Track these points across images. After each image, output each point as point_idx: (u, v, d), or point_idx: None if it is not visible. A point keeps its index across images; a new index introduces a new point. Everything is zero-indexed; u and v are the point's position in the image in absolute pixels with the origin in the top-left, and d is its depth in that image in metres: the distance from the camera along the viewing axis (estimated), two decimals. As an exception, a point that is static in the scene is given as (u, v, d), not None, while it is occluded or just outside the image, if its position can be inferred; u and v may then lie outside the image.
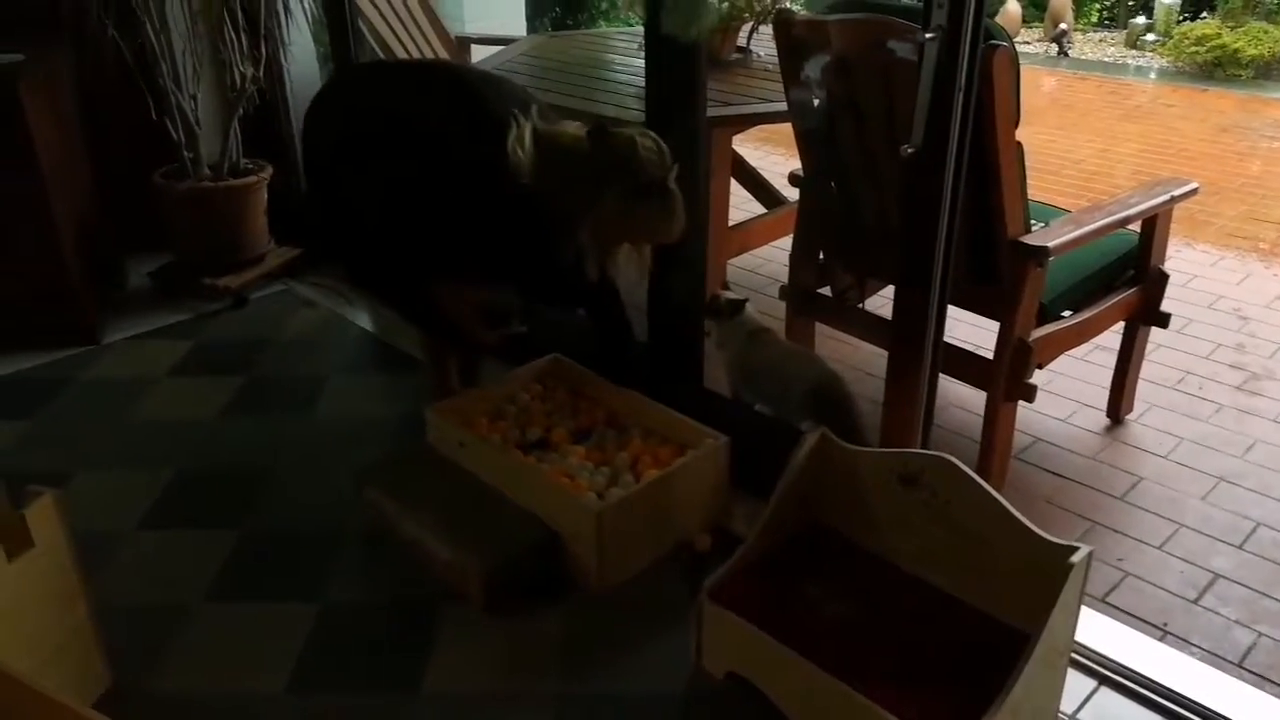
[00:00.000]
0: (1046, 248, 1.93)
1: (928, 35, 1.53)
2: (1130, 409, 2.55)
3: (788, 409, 2.20)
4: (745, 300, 2.29)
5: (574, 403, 2.31)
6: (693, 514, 2.01)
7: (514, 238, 1.89)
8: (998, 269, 2.04)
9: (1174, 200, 2.22)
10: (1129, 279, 2.33)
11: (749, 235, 3.00)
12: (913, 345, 1.78)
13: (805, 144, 2.26)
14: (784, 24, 2.10)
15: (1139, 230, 2.30)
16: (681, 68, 2.09)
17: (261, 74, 3.12)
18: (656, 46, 2.12)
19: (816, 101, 2.14)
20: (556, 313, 2.49)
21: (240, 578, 1.96)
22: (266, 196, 3.25)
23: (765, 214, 3.19)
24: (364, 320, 3.05)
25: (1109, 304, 2.27)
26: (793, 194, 3.06)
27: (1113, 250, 2.28)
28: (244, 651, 1.77)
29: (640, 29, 3.21)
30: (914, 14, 1.91)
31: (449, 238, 1.95)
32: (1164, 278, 2.33)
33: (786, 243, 2.62)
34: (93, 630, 1.65)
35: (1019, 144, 1.89)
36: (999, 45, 1.70)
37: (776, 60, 3.09)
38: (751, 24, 3.14)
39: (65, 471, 2.26)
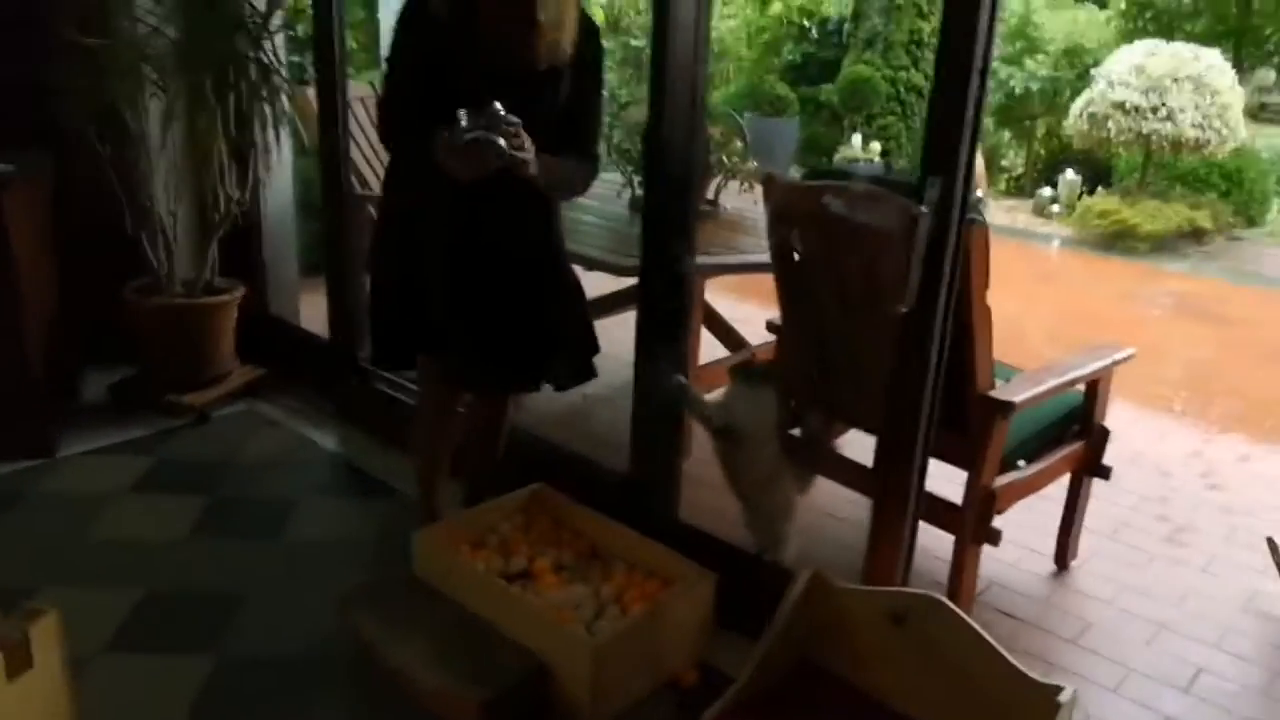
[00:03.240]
0: (1013, 403, 2.10)
1: (922, 209, 1.71)
2: (1075, 555, 2.70)
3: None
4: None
5: (557, 533, 2.35)
6: (680, 649, 2.05)
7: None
8: (964, 420, 2.19)
9: (1116, 364, 2.44)
10: (1075, 433, 2.52)
11: (715, 375, 3.13)
12: (898, 492, 1.90)
13: (785, 295, 2.42)
14: (772, 186, 2.29)
15: (1083, 389, 2.50)
16: (677, 218, 2.25)
17: (247, 197, 3.19)
18: (653, 196, 2.29)
19: (797, 257, 2.31)
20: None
21: (219, 708, 1.91)
22: (236, 315, 3.27)
23: (730, 356, 3.35)
24: (330, 442, 3.05)
25: (1059, 456, 2.44)
26: (755, 338, 3.25)
27: (1061, 407, 2.47)
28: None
29: (616, 175, 3.42)
30: (889, 184, 2.13)
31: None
32: (1106, 433, 2.52)
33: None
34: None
35: (987, 306, 2.07)
36: (976, 220, 1.90)
37: (741, 213, 3.35)
38: (719, 179, 3.35)
39: (28, 587, 2.19)
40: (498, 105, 1.81)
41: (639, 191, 3.39)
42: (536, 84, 1.99)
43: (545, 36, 1.93)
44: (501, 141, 1.80)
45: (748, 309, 4.63)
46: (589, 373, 2.31)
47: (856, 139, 8.09)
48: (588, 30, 2.06)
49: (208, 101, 2.98)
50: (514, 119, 1.82)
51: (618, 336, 3.99)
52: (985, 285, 2.02)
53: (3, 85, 2.70)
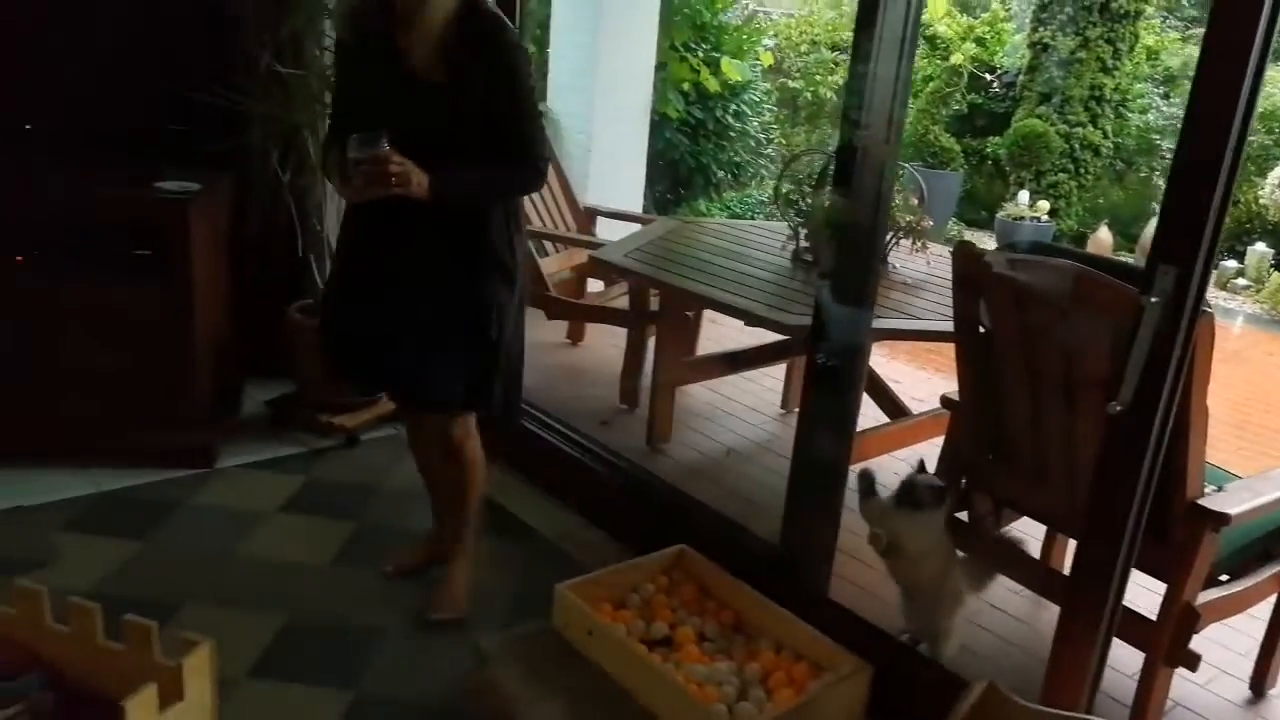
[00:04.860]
0: (1228, 515, 1.87)
1: (1151, 299, 1.53)
2: (1275, 683, 2.41)
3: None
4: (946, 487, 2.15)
5: (701, 601, 2.24)
6: (829, 745, 1.90)
7: None
8: (1164, 526, 1.97)
9: (1343, 475, 2.16)
10: (1286, 550, 2.24)
11: (873, 443, 2.97)
12: (1093, 606, 1.70)
13: (966, 370, 2.25)
14: (964, 253, 2.13)
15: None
16: (856, 277, 2.12)
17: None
18: (832, 252, 2.17)
19: (985, 331, 2.14)
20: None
21: (351, 749, 1.87)
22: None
23: (888, 423, 3.17)
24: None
25: (1269, 574, 2.17)
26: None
27: (1273, 519, 2.20)
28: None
29: (775, 224, 3.33)
30: (1105, 267, 1.95)
31: None
32: (1322, 551, 2.24)
33: (903, 453, 2.64)
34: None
35: (1206, 407, 1.86)
36: (1206, 311, 1.70)
37: (913, 274, 3.18)
38: (891, 236, 3.19)
39: (173, 603, 2.21)
40: (381, 132, 1.86)
41: (804, 243, 3.27)
42: (434, 96, 1.98)
43: (413, 49, 1.95)
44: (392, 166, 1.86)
45: (897, 366, 4.44)
46: (479, 405, 2.22)
47: (1024, 196, 7.73)
48: (482, 32, 1.98)
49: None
50: (380, 150, 1.86)
51: (753, 389, 3.89)
52: (1206, 383, 1.81)
53: (197, 110, 2.80)
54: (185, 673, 1.47)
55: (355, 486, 2.89)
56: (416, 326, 2.10)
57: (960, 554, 2.20)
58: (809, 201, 3.04)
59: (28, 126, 2.88)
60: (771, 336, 3.39)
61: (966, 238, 7.05)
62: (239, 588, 2.34)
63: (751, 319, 2.71)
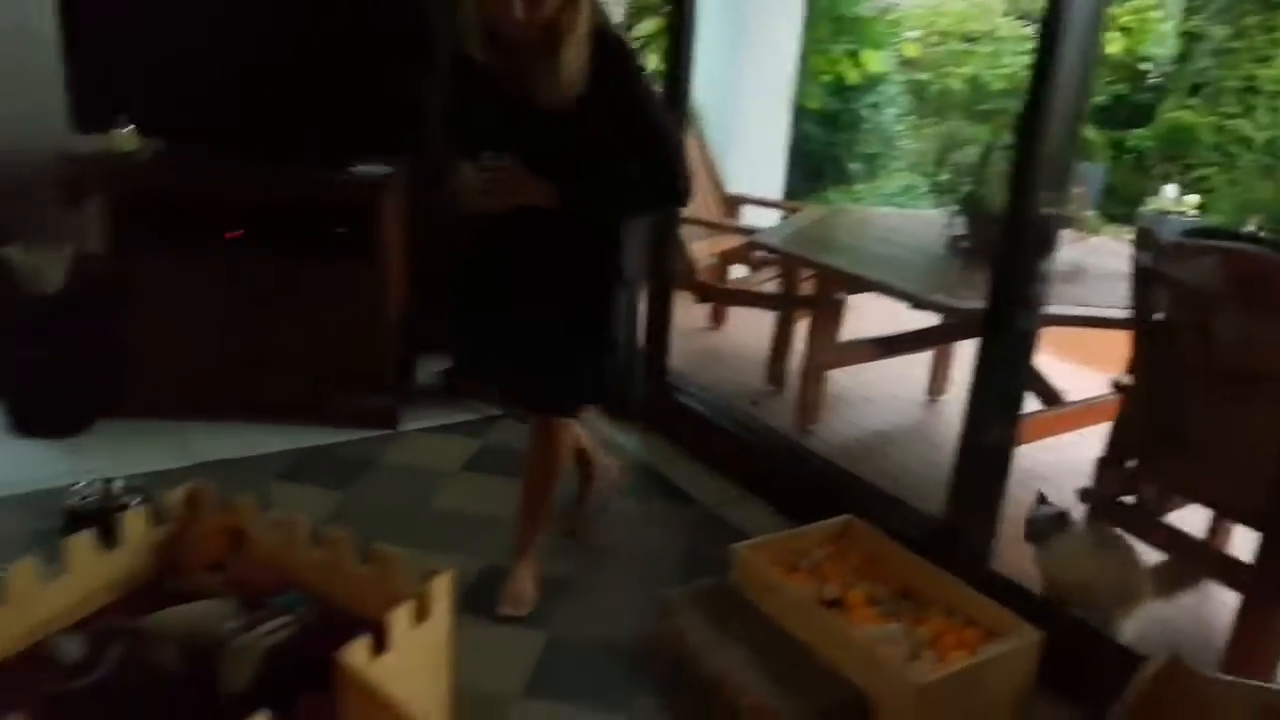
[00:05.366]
0: None
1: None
2: None
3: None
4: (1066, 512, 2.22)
5: (869, 567, 2.34)
6: (1002, 707, 1.98)
7: None
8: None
9: None
10: None
11: (1032, 426, 3.01)
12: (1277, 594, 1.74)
13: (1141, 357, 2.29)
14: (1150, 239, 2.17)
15: None
16: (1032, 265, 2.18)
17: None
18: (1008, 239, 2.23)
19: (1163, 317, 2.18)
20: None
21: (554, 680, 2.05)
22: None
23: (1044, 410, 3.20)
24: (635, 446, 3.19)
25: None
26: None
27: None
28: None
29: (925, 213, 3.38)
30: None
31: None
32: None
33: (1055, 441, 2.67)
34: (448, 708, 1.76)
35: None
36: None
37: (1073, 263, 3.19)
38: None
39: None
40: (503, 153, 1.95)
41: (963, 231, 3.32)
42: (560, 124, 1.97)
43: (540, 85, 1.93)
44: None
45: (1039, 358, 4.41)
46: (560, 407, 2.28)
47: (1170, 189, 7.49)
48: (610, 59, 1.95)
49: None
50: (500, 163, 1.95)
51: (895, 375, 3.94)
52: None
53: (388, 101, 3.03)
54: (430, 595, 1.66)
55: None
56: (538, 333, 2.16)
57: (1149, 560, 2.22)
58: (975, 190, 3.09)
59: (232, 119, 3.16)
60: (918, 323, 3.46)
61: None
62: (438, 534, 2.55)
63: (921, 303, 2.78)
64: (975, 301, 2.75)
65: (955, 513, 2.39)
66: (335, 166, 3.09)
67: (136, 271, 3.02)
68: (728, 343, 4.38)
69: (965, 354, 3.47)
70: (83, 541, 1.74)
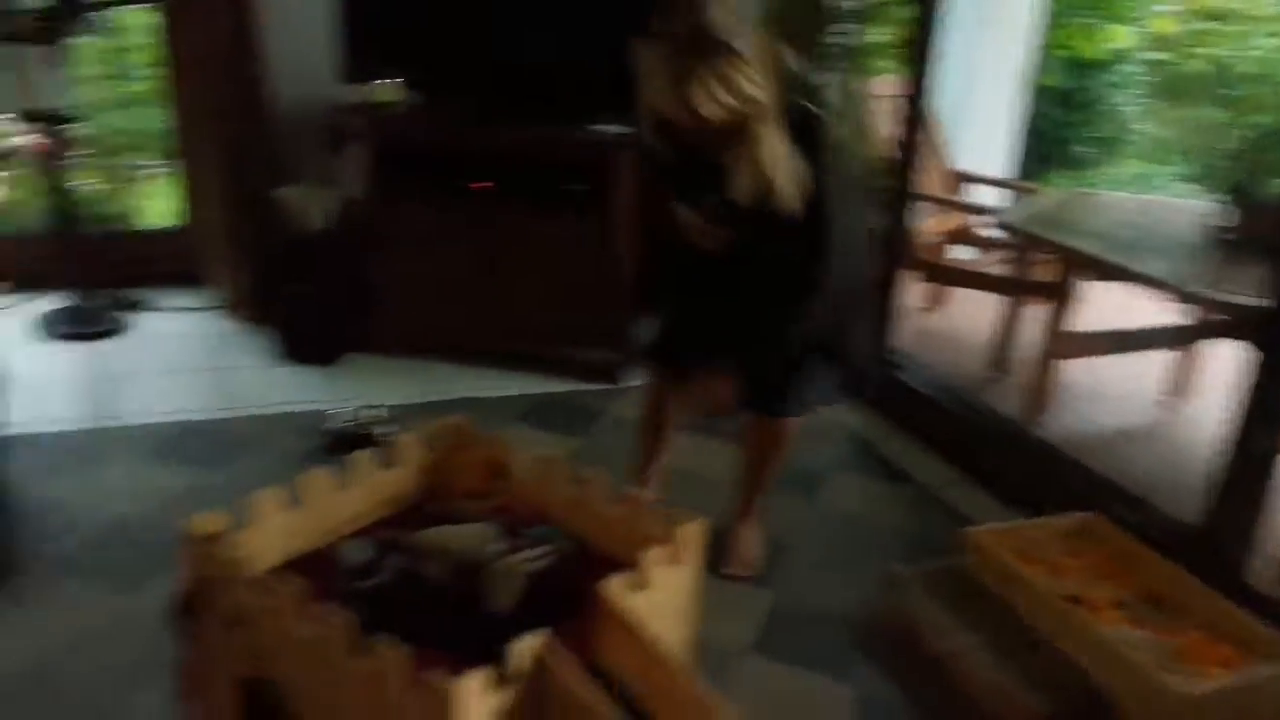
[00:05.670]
0: None
1: None
2: None
3: None
4: None
5: (1111, 568, 2.23)
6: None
7: None
8: None
9: None
10: None
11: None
12: None
13: None
14: None
15: None
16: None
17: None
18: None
19: None
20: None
21: (781, 639, 2.09)
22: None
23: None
24: (854, 422, 3.16)
25: None
26: None
27: None
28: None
29: (1179, 201, 3.15)
30: None
31: None
32: None
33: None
34: (689, 654, 1.81)
35: None
36: None
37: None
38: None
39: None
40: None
41: (1228, 223, 3.08)
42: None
43: (746, 176, 1.88)
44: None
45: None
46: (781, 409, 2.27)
47: None
48: (807, 133, 1.88)
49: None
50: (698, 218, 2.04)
51: (1125, 372, 3.69)
52: None
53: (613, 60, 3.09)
54: (682, 539, 1.70)
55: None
56: (758, 332, 2.15)
57: None
58: (1250, 178, 2.86)
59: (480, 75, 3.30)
60: (1154, 318, 3.24)
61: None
62: (672, 490, 2.61)
63: (1185, 296, 2.61)
64: (1241, 297, 2.57)
65: (1214, 521, 2.25)
66: (576, 124, 3.18)
67: (390, 216, 3.22)
68: (946, 325, 4.24)
69: (1214, 355, 3.24)
70: (365, 459, 1.88)
